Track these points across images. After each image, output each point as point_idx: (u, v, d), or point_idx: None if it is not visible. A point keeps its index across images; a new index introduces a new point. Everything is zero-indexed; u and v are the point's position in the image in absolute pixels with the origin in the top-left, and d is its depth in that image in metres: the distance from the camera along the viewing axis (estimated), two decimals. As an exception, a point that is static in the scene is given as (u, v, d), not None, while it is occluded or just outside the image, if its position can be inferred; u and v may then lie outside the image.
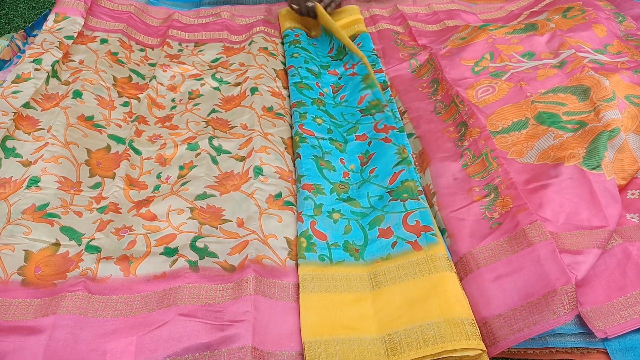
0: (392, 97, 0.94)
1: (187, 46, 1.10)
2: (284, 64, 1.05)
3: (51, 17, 1.04)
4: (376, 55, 1.04)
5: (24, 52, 1.05)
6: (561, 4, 1.12)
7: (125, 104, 0.92)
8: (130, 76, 0.99)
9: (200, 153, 0.81)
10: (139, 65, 1.03)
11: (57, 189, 0.72)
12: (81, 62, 0.96)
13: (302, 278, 0.63)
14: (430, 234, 0.66)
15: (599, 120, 0.78)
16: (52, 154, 0.76)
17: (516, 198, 0.70)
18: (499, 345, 0.58)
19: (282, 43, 1.11)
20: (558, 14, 1.07)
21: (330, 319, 0.60)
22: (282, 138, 0.86)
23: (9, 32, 1.18)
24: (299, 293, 0.62)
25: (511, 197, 0.70)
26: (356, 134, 0.86)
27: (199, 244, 0.67)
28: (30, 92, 0.86)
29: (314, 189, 0.75)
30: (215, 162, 0.80)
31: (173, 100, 0.96)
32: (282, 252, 0.67)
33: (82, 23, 1.04)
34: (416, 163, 0.83)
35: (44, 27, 1.02)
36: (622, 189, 0.73)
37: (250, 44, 1.09)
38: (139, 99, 0.94)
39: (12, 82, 0.88)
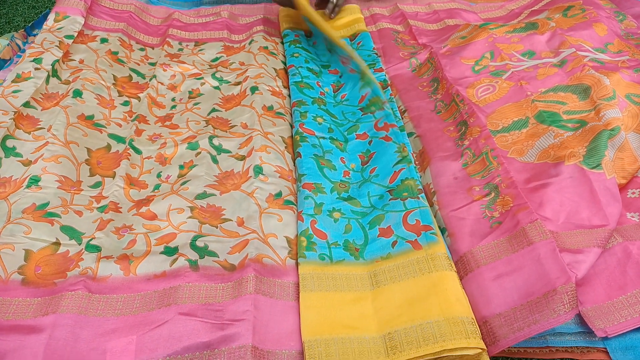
0: (393, 96, 0.94)
1: (187, 45, 1.10)
2: (284, 63, 1.05)
3: (51, 17, 1.04)
4: (376, 54, 1.04)
5: (24, 51, 1.04)
6: (562, 3, 1.12)
7: (126, 103, 0.92)
8: (130, 75, 0.99)
9: (200, 152, 0.81)
10: (139, 64, 1.03)
11: (57, 188, 0.72)
12: (81, 62, 0.96)
13: (302, 277, 0.63)
14: (431, 233, 0.66)
15: (599, 119, 0.77)
16: (52, 153, 0.76)
17: (516, 197, 0.70)
18: (499, 344, 0.58)
19: (282, 42, 1.11)
20: (558, 13, 1.07)
21: (330, 318, 0.60)
22: (282, 137, 0.85)
23: (9, 32, 1.18)
24: (299, 292, 0.62)
25: (511, 196, 0.70)
26: (357, 133, 0.86)
27: (199, 243, 0.67)
28: (31, 91, 0.86)
29: (314, 187, 0.75)
30: (215, 161, 0.80)
31: (173, 99, 0.96)
32: (282, 252, 0.67)
33: (83, 22, 1.04)
34: (416, 162, 0.83)
35: (44, 27, 1.02)
36: (622, 188, 0.73)
37: (250, 42, 1.08)
38: (139, 98, 0.94)
39: (12, 81, 0.88)
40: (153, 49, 1.09)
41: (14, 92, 0.86)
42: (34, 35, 1.09)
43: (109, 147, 0.83)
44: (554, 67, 0.92)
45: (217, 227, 0.70)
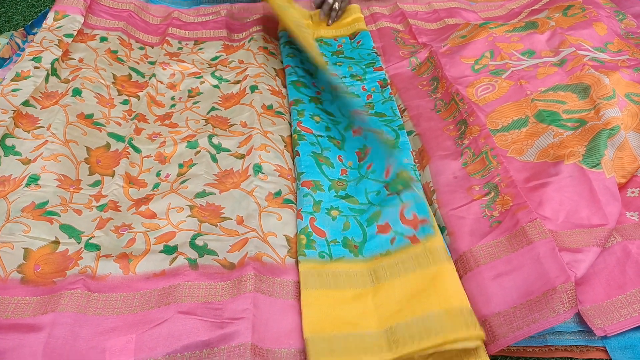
0: (392, 95, 0.94)
1: (186, 44, 1.10)
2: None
3: (51, 15, 1.03)
4: (376, 53, 1.04)
5: (23, 50, 1.04)
6: (562, 2, 1.12)
7: (125, 102, 0.92)
8: (129, 74, 0.99)
9: (199, 151, 0.81)
10: (138, 63, 1.03)
11: (57, 187, 0.72)
12: (81, 60, 0.96)
13: (302, 275, 0.63)
14: (427, 226, 0.66)
15: (599, 118, 0.77)
16: (51, 152, 0.76)
17: (516, 196, 0.70)
18: (499, 343, 0.58)
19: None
20: (558, 12, 1.07)
21: (332, 315, 0.60)
22: (281, 136, 0.85)
23: (9, 30, 1.18)
24: (298, 291, 0.62)
25: (511, 196, 0.70)
26: (353, 129, 0.86)
27: (199, 241, 0.67)
28: (30, 90, 0.86)
29: (313, 185, 0.75)
30: (214, 160, 0.80)
31: (172, 98, 0.96)
32: (282, 250, 0.67)
33: (82, 21, 1.04)
34: (416, 161, 0.83)
35: (43, 25, 1.02)
36: (622, 187, 0.73)
37: (249, 41, 1.08)
38: (138, 97, 0.94)
39: (12, 80, 0.88)
40: (152, 47, 1.09)
41: (14, 90, 0.86)
42: (34, 34, 1.09)
43: (108, 145, 0.82)
44: (553, 67, 0.92)
45: (216, 226, 0.70)
